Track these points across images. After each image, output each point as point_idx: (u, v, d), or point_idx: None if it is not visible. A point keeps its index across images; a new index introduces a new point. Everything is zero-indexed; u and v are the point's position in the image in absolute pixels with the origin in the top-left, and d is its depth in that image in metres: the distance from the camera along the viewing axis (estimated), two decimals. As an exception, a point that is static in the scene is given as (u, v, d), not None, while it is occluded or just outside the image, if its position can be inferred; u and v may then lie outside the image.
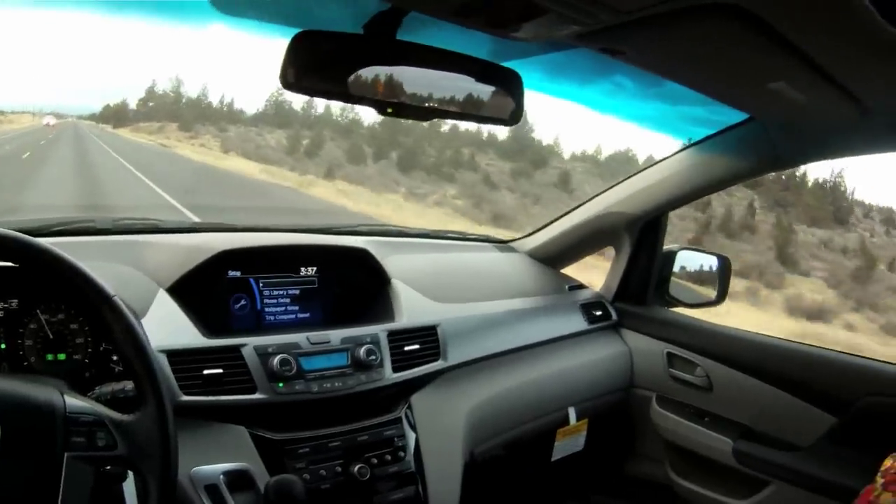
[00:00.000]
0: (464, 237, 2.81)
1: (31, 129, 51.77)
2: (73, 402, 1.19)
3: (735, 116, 1.99)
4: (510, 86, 1.33)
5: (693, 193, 2.38)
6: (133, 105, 73.80)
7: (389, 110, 1.23)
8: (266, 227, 2.34)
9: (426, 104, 1.24)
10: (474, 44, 1.31)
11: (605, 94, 2.12)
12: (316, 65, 1.19)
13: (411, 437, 1.86)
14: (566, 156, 44.96)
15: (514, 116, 1.37)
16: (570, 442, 2.45)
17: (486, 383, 2.13)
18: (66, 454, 1.14)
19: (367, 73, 1.19)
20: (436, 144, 44.77)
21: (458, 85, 1.27)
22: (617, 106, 2.34)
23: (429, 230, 2.75)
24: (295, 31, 1.23)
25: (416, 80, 1.22)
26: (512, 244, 2.79)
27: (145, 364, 1.22)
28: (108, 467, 1.24)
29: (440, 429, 1.93)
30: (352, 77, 1.19)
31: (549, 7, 1.06)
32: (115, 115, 71.41)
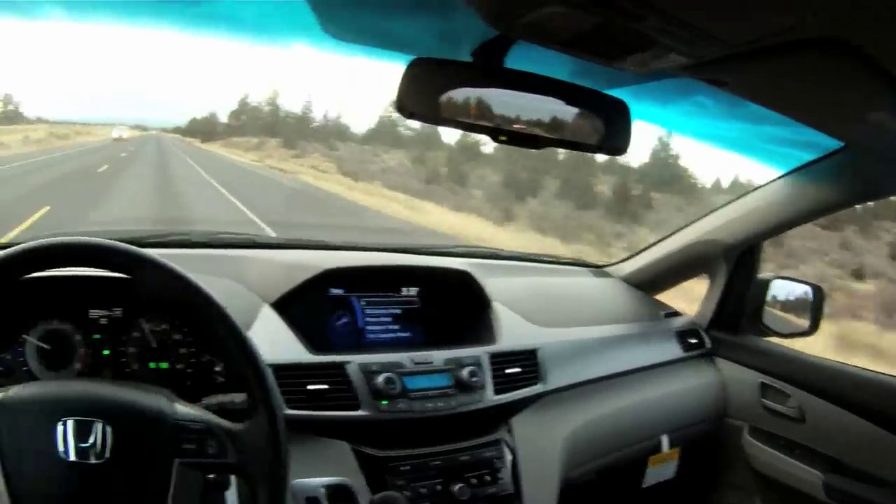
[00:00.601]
0: (558, 261, 2.81)
1: (101, 145, 44.84)
2: (182, 409, 1.23)
3: (823, 138, 1.95)
4: (618, 115, 1.33)
5: (789, 222, 2.35)
6: (223, 118, 70.97)
7: (503, 138, 1.23)
8: (365, 245, 2.38)
9: (537, 132, 1.25)
10: (557, 66, 1.31)
11: (685, 115, 2.11)
12: (429, 91, 1.20)
13: (508, 459, 1.86)
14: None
15: (621, 146, 1.37)
16: (661, 469, 2.43)
17: (583, 408, 2.12)
18: (175, 461, 1.17)
19: (478, 100, 1.20)
20: (583, 172, 35.69)
21: (566, 113, 1.27)
22: (697, 127, 2.32)
23: (523, 252, 2.77)
24: (402, 56, 1.26)
25: (525, 107, 1.22)
26: (606, 269, 2.79)
27: (258, 374, 1.24)
28: (212, 476, 1.27)
29: (538, 452, 1.93)
30: (463, 104, 1.20)
31: (658, 40, 1.07)
32: (203, 129, 68.55)
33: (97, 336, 1.72)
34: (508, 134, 1.23)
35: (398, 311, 1.99)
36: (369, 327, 1.94)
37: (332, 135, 54.12)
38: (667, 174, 35.45)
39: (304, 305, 1.82)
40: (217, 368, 1.74)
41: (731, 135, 2.35)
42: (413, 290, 2.01)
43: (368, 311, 1.94)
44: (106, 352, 1.72)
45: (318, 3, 1.38)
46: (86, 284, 1.68)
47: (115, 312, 1.73)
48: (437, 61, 1.20)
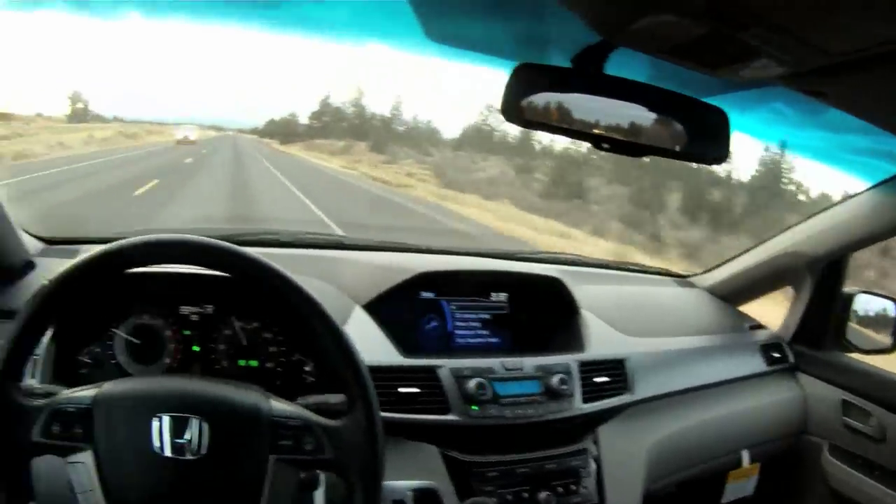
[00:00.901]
0: (643, 269, 2.81)
1: (165, 148, 38.05)
2: (279, 406, 1.25)
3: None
4: (716, 124, 1.32)
5: (878, 235, 2.31)
6: (303, 119, 66.76)
7: (605, 146, 1.24)
8: (454, 249, 2.40)
9: (638, 140, 1.25)
10: (635, 68, 1.30)
11: (763, 122, 2.08)
12: (534, 97, 1.21)
13: (593, 468, 1.87)
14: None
15: (721, 156, 1.36)
16: (740, 485, 2.41)
17: (668, 420, 2.12)
18: (271, 457, 1.20)
19: (580, 107, 1.21)
20: (692, 182, 29.78)
21: (664, 121, 1.27)
22: (775, 134, 2.30)
23: (608, 261, 2.76)
24: (499, 61, 1.27)
25: (625, 114, 1.23)
26: (691, 279, 2.77)
27: (356, 372, 1.26)
28: (305, 474, 1.29)
29: (622, 463, 1.93)
30: (566, 110, 1.21)
31: (761, 49, 1.07)
32: (282, 130, 64.96)
33: (187, 332, 1.77)
34: (611, 141, 1.23)
35: (487, 316, 2.00)
36: (458, 331, 1.95)
37: (422, 139, 49.76)
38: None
39: (396, 308, 1.85)
40: (307, 368, 1.77)
41: (810, 143, 2.32)
42: (503, 296, 2.02)
43: (458, 316, 1.96)
44: (196, 348, 1.77)
45: (421, 8, 1.40)
46: (177, 281, 1.73)
47: (207, 309, 1.78)
48: (541, 67, 1.22)
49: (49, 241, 2.12)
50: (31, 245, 2.01)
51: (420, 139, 49.05)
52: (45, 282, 1.21)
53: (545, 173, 35.10)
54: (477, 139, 45.58)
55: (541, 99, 1.21)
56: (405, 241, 2.44)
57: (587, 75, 1.22)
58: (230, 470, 1.19)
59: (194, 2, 1.74)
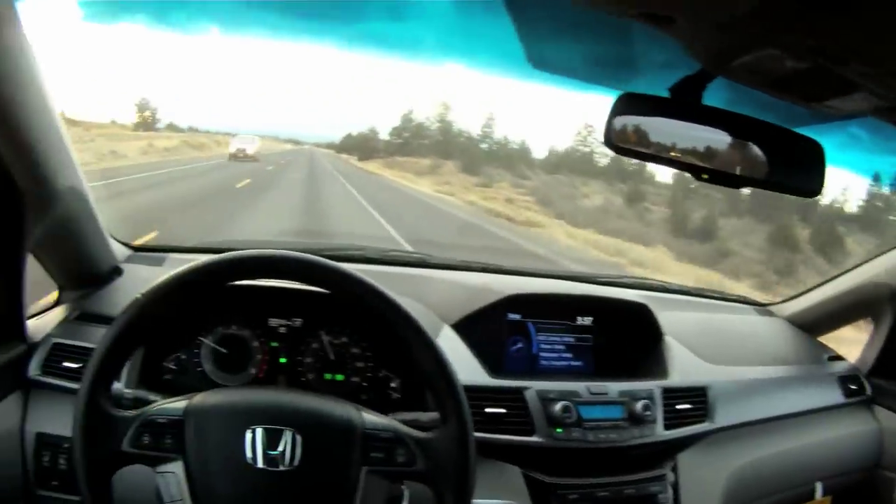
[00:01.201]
0: (723, 296, 2.79)
1: (217, 163, 31.19)
2: (371, 418, 1.28)
3: None
4: (811, 155, 1.32)
5: None
6: (383, 135, 59.94)
7: (705, 176, 1.25)
8: (540, 271, 2.43)
9: (735, 171, 1.26)
10: (723, 96, 1.30)
11: (838, 147, 2.03)
12: (635, 126, 1.23)
13: (671, 495, 1.87)
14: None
15: (815, 188, 1.35)
16: (812, 517, 2.37)
17: (745, 449, 2.11)
18: (363, 468, 1.23)
19: (679, 136, 1.23)
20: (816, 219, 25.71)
21: (761, 152, 1.27)
22: (850, 159, 2.26)
23: (689, 287, 2.76)
24: (598, 87, 1.31)
25: (724, 145, 1.24)
26: (770, 308, 2.75)
27: (451, 386, 1.27)
28: (397, 484, 1.33)
29: (700, 491, 1.94)
30: (666, 140, 1.23)
31: (859, 83, 1.08)
32: (360, 146, 59.54)
33: (275, 344, 1.83)
34: (709, 172, 1.24)
35: (571, 340, 2.02)
36: (543, 354, 1.97)
37: (516, 159, 44.35)
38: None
39: (483, 328, 1.87)
40: (393, 385, 1.82)
41: (889, 169, 2.29)
42: (588, 320, 2.03)
43: (543, 338, 1.98)
44: (283, 360, 1.83)
45: (525, 34, 1.44)
46: (267, 293, 1.78)
47: (296, 323, 1.84)
48: (642, 96, 1.23)
49: (135, 248, 2.21)
50: (119, 251, 2.09)
51: (513, 160, 44.15)
52: (138, 297, 1.25)
53: (657, 202, 31.97)
54: (573, 161, 42.09)
55: (641, 127, 1.23)
56: (487, 261, 2.46)
57: (685, 104, 1.23)
58: (322, 482, 1.22)
59: (271, 18, 1.78)
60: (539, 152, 51.79)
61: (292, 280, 1.36)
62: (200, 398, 1.25)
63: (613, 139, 1.24)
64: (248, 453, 1.19)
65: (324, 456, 1.22)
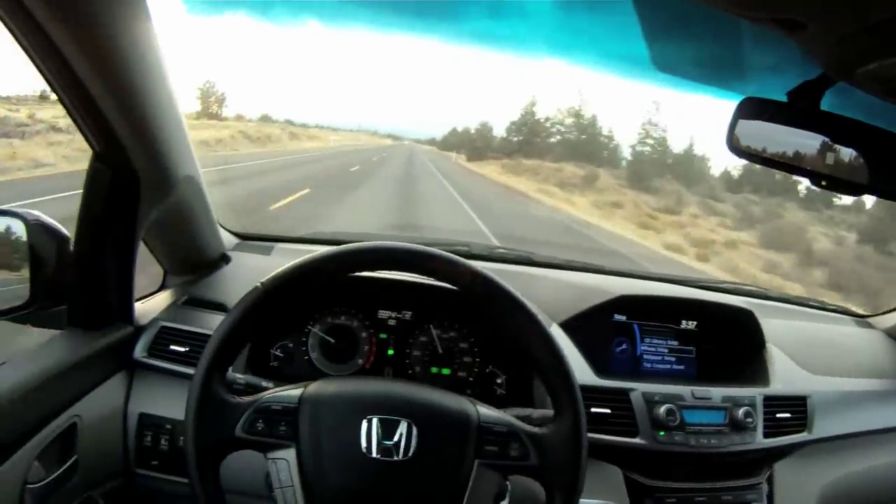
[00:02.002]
0: (822, 306, 2.71)
1: (316, 155, 33.04)
2: (486, 412, 1.27)
3: None
4: None
5: None
6: (499, 130, 54.45)
7: (823, 183, 1.21)
8: (642, 273, 2.42)
9: (854, 179, 1.20)
10: (837, 102, 1.24)
11: None
12: (758, 131, 1.21)
13: (763, 503, 1.84)
14: None
15: None
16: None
17: (840, 462, 2.06)
18: (476, 461, 1.22)
19: (799, 142, 1.20)
20: None
21: (881, 160, 1.21)
22: None
23: (790, 295, 2.69)
24: (717, 91, 1.28)
25: (843, 152, 1.19)
26: (870, 320, 2.67)
27: (567, 380, 1.25)
28: (509, 477, 1.31)
29: (794, 501, 1.90)
30: (786, 145, 1.20)
31: None
32: (469, 143, 53.78)
33: (383, 335, 1.86)
34: (829, 179, 1.20)
35: (675, 343, 2.00)
36: (647, 356, 1.96)
37: (691, 172, 35.12)
38: None
39: (590, 328, 1.87)
40: (498, 381, 1.83)
41: None
42: (692, 324, 2.01)
43: (647, 340, 1.97)
44: (390, 352, 1.85)
45: (653, 37, 1.42)
46: (378, 285, 1.80)
47: (405, 315, 1.86)
48: (764, 101, 1.21)
49: (242, 237, 2.26)
50: (227, 239, 2.15)
51: (689, 172, 35.24)
52: (258, 285, 1.26)
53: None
54: (755, 175, 32.43)
55: (762, 132, 1.21)
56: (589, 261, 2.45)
57: (803, 110, 1.20)
58: (435, 473, 1.22)
59: (372, 15, 1.78)
60: (708, 163, 40.69)
61: (418, 273, 1.35)
62: (316, 387, 1.27)
63: (736, 143, 1.22)
64: (364, 443, 1.20)
65: (438, 448, 1.22)
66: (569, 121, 47.25)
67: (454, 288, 1.31)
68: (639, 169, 34.65)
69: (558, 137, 47.66)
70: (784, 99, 1.19)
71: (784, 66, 1.28)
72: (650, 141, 40.09)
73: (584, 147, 43.10)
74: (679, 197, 29.39)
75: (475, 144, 55.05)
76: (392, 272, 1.73)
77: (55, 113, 16.07)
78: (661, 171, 34.57)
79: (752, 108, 1.22)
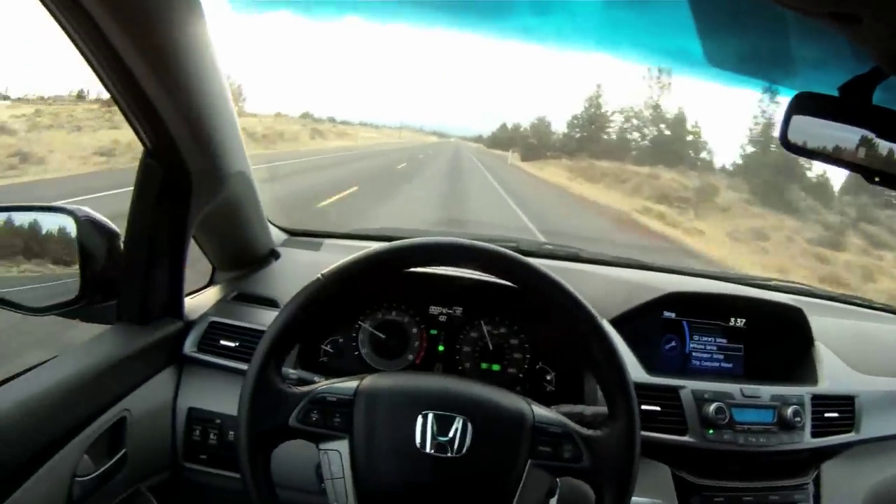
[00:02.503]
0: (870, 304, 2.66)
1: (341, 156, 29.11)
2: (541, 412, 1.26)
3: None
4: None
5: None
6: (559, 126, 50.19)
7: (877, 179, 1.18)
8: (691, 271, 2.39)
9: None
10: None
11: None
12: (811, 126, 1.20)
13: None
14: None
15: None
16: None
17: (889, 463, 2.01)
18: (529, 461, 1.20)
19: (851, 137, 1.18)
20: None
21: None
22: None
23: (836, 293, 2.64)
24: (767, 85, 1.26)
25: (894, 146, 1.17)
26: None
27: (623, 382, 1.25)
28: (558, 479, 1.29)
29: (841, 502, 1.87)
30: (839, 140, 1.19)
31: None
32: (524, 141, 48.17)
33: (434, 331, 1.86)
34: (881, 174, 1.18)
35: (724, 341, 1.98)
36: (695, 353, 1.95)
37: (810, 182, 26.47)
38: None
39: (640, 325, 1.86)
40: (548, 377, 1.83)
41: None
42: (741, 322, 1.99)
43: (695, 337, 1.96)
44: (441, 348, 1.85)
45: (706, 32, 1.41)
46: (429, 281, 1.80)
47: (456, 311, 1.86)
48: (817, 95, 1.19)
49: (291, 233, 2.28)
50: (275, 235, 2.16)
51: (825, 186, 26.40)
52: (319, 276, 1.26)
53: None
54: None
55: (814, 127, 1.20)
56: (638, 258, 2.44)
57: (855, 104, 1.18)
58: (487, 471, 1.21)
59: (416, 13, 1.77)
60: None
61: (477, 270, 1.34)
62: (372, 380, 1.27)
63: (790, 139, 1.20)
64: (418, 437, 1.19)
65: (492, 446, 1.21)
66: (646, 113, 39.35)
67: (507, 284, 1.30)
68: (768, 179, 26.46)
69: (635, 134, 40.05)
70: (832, 93, 1.17)
71: (832, 61, 1.27)
72: (765, 141, 30.19)
73: (670, 147, 35.11)
74: (824, 221, 22.20)
75: (529, 142, 50.47)
76: (443, 267, 1.74)
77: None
78: (787, 182, 26.69)
79: (805, 103, 1.20)
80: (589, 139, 42.24)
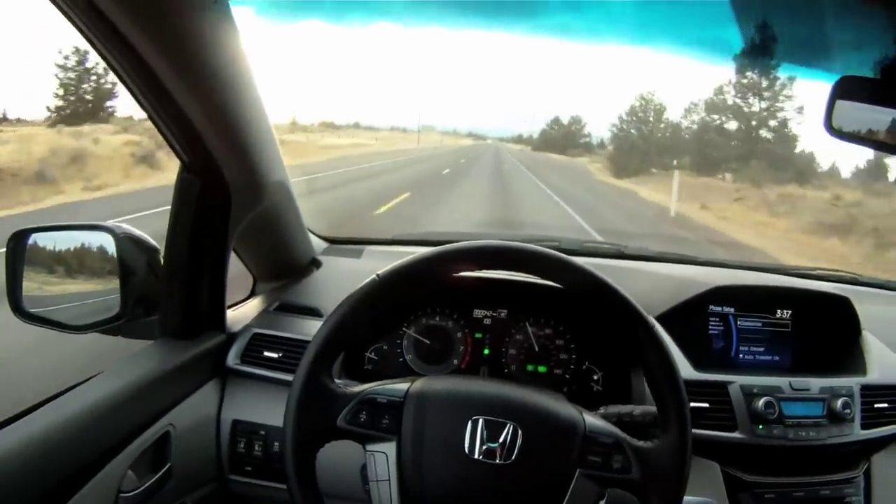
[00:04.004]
0: None
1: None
2: (593, 421, 1.23)
3: None
4: None
5: None
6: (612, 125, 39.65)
7: None
8: (736, 263, 2.36)
9: None
10: None
11: None
12: (855, 110, 1.16)
13: (863, 499, 1.78)
14: None
15: None
16: None
17: None
18: (578, 470, 1.18)
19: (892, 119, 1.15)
20: None
21: None
22: None
23: (880, 280, 2.57)
24: (805, 70, 1.23)
25: None
26: None
27: (676, 393, 1.22)
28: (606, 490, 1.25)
29: (892, 495, 1.82)
30: (883, 124, 1.15)
31: None
32: (628, 140, 35.50)
33: (479, 335, 1.84)
34: None
35: (770, 333, 1.95)
36: (742, 347, 1.92)
37: None
38: None
39: (686, 321, 1.84)
40: (595, 378, 1.81)
41: None
42: (787, 313, 1.96)
43: (742, 331, 1.93)
44: (486, 351, 1.83)
45: (744, 19, 1.38)
46: (472, 284, 1.79)
47: (501, 314, 1.85)
48: (860, 79, 1.17)
49: (331, 241, 2.28)
50: (316, 244, 2.17)
51: None
52: (375, 276, 1.24)
53: None
54: None
55: (859, 111, 1.16)
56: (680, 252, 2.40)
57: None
58: (536, 479, 1.18)
59: (450, 15, 1.77)
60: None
61: (527, 272, 1.30)
62: (423, 383, 1.25)
63: (834, 124, 1.18)
64: (467, 443, 1.17)
65: (542, 454, 1.19)
66: (757, 105, 32.12)
67: (553, 286, 1.28)
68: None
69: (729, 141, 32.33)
70: (871, 76, 1.16)
71: (872, 43, 1.24)
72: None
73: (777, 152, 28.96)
74: None
75: (626, 141, 37.16)
76: (487, 270, 1.71)
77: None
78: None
79: (849, 87, 1.17)
80: (667, 139, 31.92)
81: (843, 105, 1.17)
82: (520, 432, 1.18)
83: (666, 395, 1.22)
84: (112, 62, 1.22)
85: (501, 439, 1.17)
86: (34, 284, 1.56)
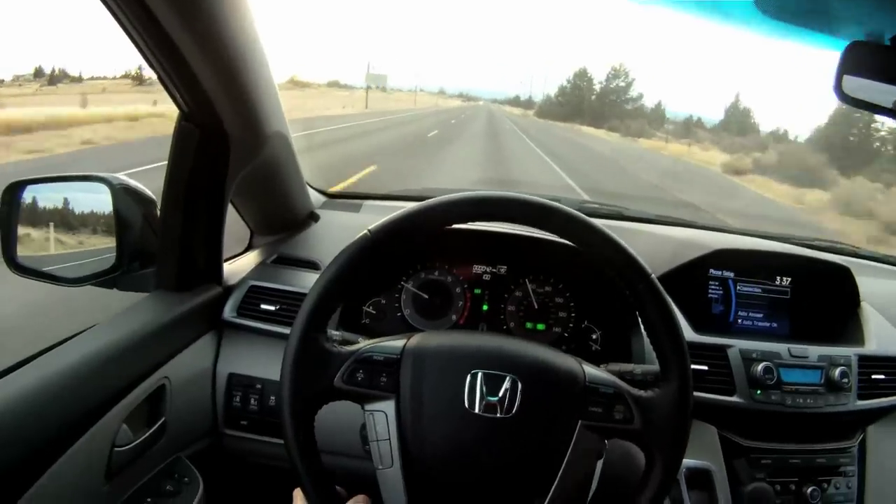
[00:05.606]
0: None
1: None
2: (593, 372, 1.22)
3: None
4: None
5: None
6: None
7: None
8: (733, 229, 2.37)
9: None
10: None
11: None
12: (865, 77, 1.14)
13: (857, 468, 1.79)
14: None
15: None
16: None
17: None
18: (580, 422, 1.17)
19: None
20: None
21: None
22: None
23: (880, 253, 2.57)
24: (821, 37, 1.21)
25: None
26: None
27: (678, 343, 1.21)
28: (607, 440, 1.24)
29: (887, 466, 1.84)
30: (892, 92, 1.13)
31: None
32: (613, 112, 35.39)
33: (478, 291, 1.84)
34: None
35: (769, 300, 1.95)
36: (741, 312, 1.92)
37: None
38: None
39: (687, 283, 1.83)
40: (594, 336, 1.81)
41: None
42: (786, 280, 1.96)
43: (742, 296, 1.93)
44: (485, 307, 1.83)
45: None
46: (473, 239, 1.78)
47: (500, 270, 1.85)
48: (870, 45, 1.15)
49: (329, 195, 2.28)
50: (314, 197, 2.16)
51: None
52: (367, 232, 1.21)
53: None
54: None
55: (873, 79, 1.14)
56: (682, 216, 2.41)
57: None
58: (537, 432, 1.17)
59: None
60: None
61: (531, 226, 1.28)
62: (419, 339, 1.23)
63: (845, 90, 1.15)
64: (466, 397, 1.16)
65: (543, 406, 1.18)
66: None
67: (553, 241, 1.27)
68: None
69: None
70: (885, 42, 1.14)
71: (883, 10, 1.20)
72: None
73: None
74: None
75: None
76: (486, 224, 1.73)
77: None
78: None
79: (859, 53, 1.15)
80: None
81: (849, 71, 1.15)
82: (519, 385, 1.17)
83: (667, 347, 1.22)
84: (113, 7, 1.19)
85: (501, 393, 1.16)
86: (29, 237, 1.54)
